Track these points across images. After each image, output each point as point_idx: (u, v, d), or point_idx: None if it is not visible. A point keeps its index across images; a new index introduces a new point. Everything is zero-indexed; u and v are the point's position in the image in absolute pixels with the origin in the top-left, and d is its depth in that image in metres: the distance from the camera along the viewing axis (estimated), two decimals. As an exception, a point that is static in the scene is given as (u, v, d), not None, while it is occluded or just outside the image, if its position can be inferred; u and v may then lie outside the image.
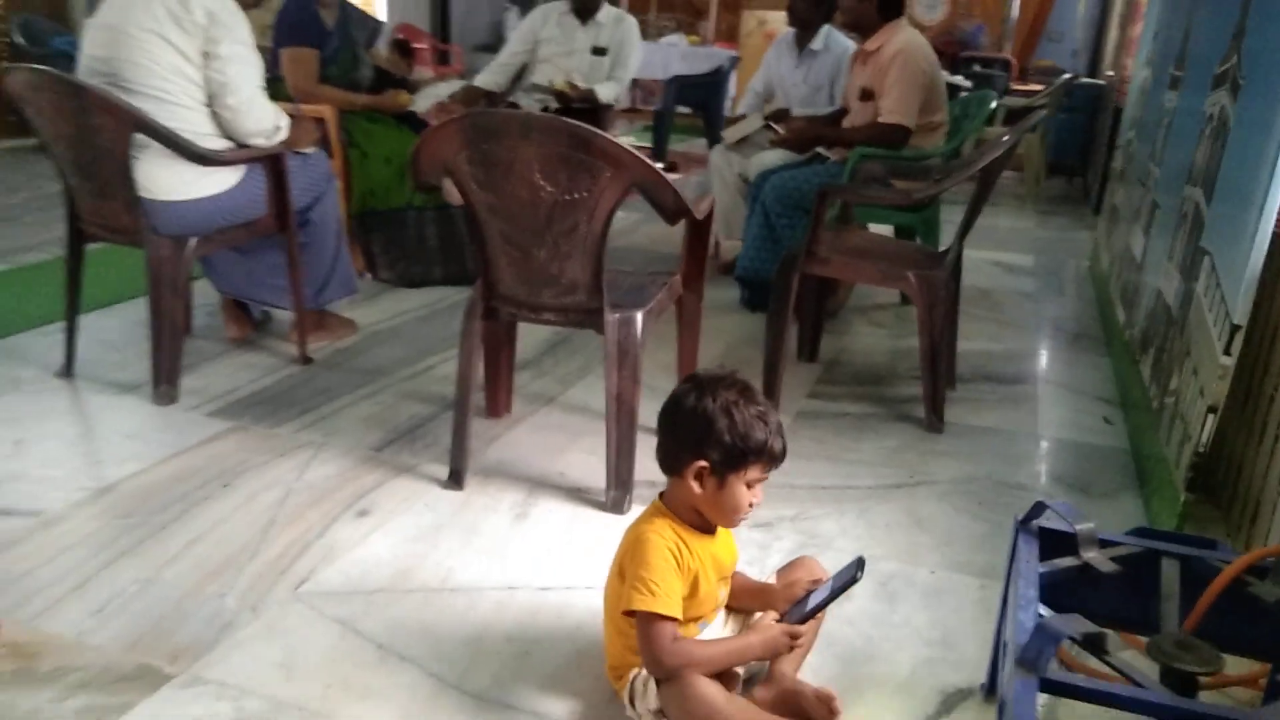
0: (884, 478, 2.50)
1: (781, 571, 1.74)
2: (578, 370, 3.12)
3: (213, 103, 2.64)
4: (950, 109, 3.73)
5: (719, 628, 1.62)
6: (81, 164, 2.60)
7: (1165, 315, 2.64)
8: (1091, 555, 1.51)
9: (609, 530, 2.12)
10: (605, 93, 4.31)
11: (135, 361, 2.96)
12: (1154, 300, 2.85)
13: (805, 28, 4.15)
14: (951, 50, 9.74)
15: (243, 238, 2.83)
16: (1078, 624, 1.26)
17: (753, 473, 1.50)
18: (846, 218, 3.31)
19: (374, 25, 4.19)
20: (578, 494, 2.33)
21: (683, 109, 7.09)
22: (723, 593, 1.61)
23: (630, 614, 1.45)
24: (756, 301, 3.71)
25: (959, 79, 7.50)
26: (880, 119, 3.44)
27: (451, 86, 4.32)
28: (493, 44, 11.36)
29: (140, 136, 2.52)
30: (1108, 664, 1.31)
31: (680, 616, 1.45)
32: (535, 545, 2.10)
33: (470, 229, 2.19)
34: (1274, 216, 1.88)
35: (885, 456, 2.62)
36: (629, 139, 6.82)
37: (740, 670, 1.57)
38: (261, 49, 2.78)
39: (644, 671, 1.47)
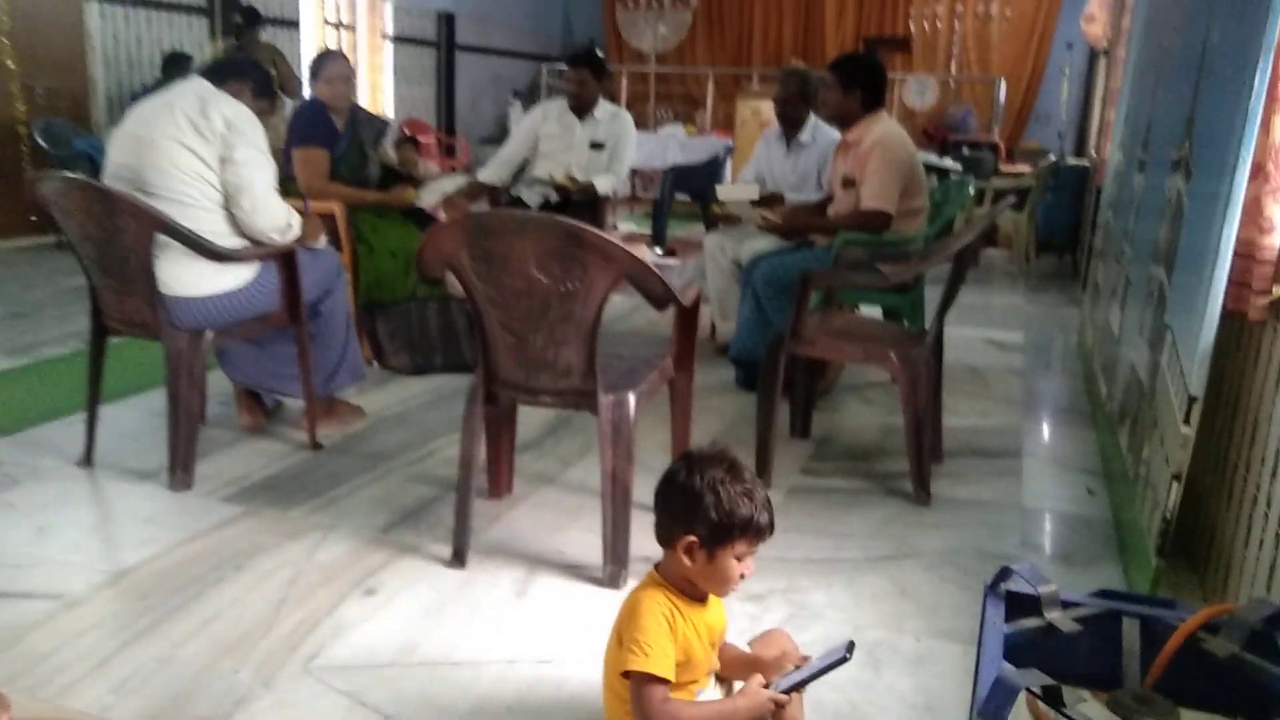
0: (872, 550, 2.59)
1: (754, 642, 1.82)
2: (578, 450, 3.23)
3: (229, 203, 2.81)
4: (932, 194, 3.91)
5: (709, 694, 1.70)
6: (106, 263, 2.76)
7: (1138, 387, 2.76)
8: (1055, 616, 1.60)
9: (605, 605, 2.21)
10: (603, 185, 4.51)
11: (151, 450, 3.08)
12: (1129, 373, 2.97)
13: (794, 125, 4.36)
14: (941, 134, 10.06)
15: (257, 330, 2.98)
16: (1034, 677, 1.35)
17: (740, 547, 1.59)
18: (831, 300, 3.45)
19: (381, 126, 4.41)
20: (576, 570, 2.43)
21: (681, 196, 7.33)
22: (714, 659, 1.69)
23: (626, 675, 1.54)
24: (750, 381, 3.83)
25: (948, 162, 7.75)
26: (862, 206, 3.61)
27: (456, 182, 4.52)
28: (498, 136, 11.72)
29: (162, 237, 2.68)
30: (1068, 717, 1.39)
31: (672, 679, 1.53)
32: (534, 620, 2.19)
33: (472, 318, 2.33)
34: (1221, 292, 2.01)
35: (873, 529, 2.71)
36: (629, 226, 7.06)
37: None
38: (275, 151, 2.96)
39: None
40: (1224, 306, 2.03)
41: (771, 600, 2.30)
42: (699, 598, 1.64)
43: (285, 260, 2.94)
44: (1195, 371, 2.04)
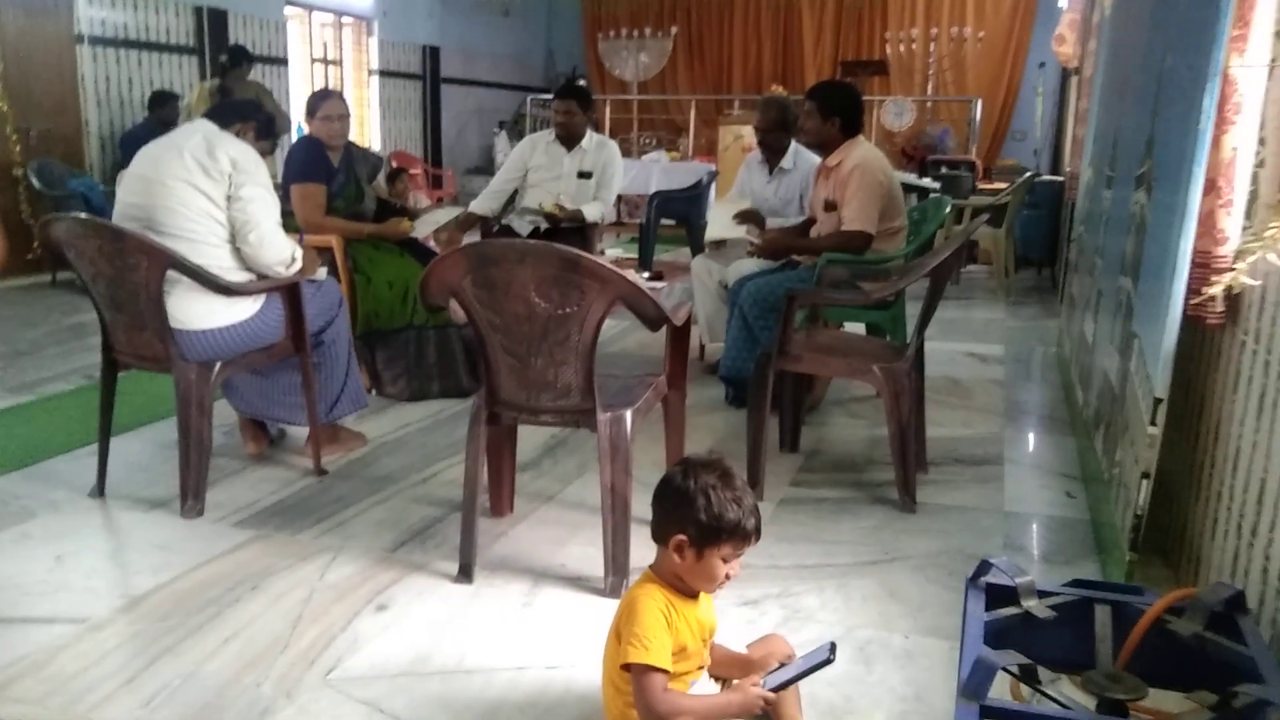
0: (861, 555, 2.70)
1: (752, 645, 1.93)
2: (575, 469, 3.34)
3: (236, 239, 2.93)
4: (911, 214, 4.05)
5: (705, 687, 1.81)
6: (118, 299, 2.86)
7: (1110, 393, 2.89)
8: (1031, 604, 1.72)
9: (608, 613, 2.27)
10: (591, 212, 4.64)
11: (160, 479, 3.17)
12: (1103, 380, 3.10)
13: (775, 152, 4.51)
14: (920, 154, 10.26)
15: (262, 361, 3.08)
16: (1011, 657, 1.47)
17: (726, 549, 1.71)
18: (816, 318, 3.57)
19: (375, 161, 4.54)
20: (578, 582, 2.53)
21: (666, 221, 7.48)
22: (706, 654, 1.80)
23: (626, 668, 1.64)
24: (740, 398, 3.95)
25: (926, 181, 7.92)
26: (844, 227, 3.75)
27: (450, 213, 4.64)
28: (483, 167, 11.92)
29: (172, 273, 2.79)
30: (1046, 695, 1.51)
31: (671, 669, 1.64)
32: (541, 629, 2.29)
33: (469, 345, 2.44)
34: (1181, 299, 2.14)
35: (862, 536, 2.83)
36: (617, 251, 7.19)
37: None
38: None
39: (641, 722, 1.66)
40: (1185, 313, 2.17)
41: (766, 604, 2.41)
42: (690, 594, 1.76)
43: (290, 292, 3.05)
44: (1159, 375, 2.17)
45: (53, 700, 1.99)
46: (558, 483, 3.22)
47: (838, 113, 3.79)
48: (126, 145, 7.24)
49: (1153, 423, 2.19)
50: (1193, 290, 2.16)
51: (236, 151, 2.90)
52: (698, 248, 6.12)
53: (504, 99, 13.12)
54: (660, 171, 8.93)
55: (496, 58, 13.05)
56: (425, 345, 4.08)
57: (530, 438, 3.45)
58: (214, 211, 2.87)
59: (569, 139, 4.70)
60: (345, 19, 10.66)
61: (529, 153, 4.75)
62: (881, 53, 12.01)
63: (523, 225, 4.67)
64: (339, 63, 10.73)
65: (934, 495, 3.12)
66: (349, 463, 3.39)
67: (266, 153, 3.11)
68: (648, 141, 11.42)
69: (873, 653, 2.19)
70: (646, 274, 4.32)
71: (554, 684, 2.05)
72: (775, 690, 1.75)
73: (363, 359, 4.07)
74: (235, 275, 2.94)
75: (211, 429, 3.32)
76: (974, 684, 1.42)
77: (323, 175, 4.01)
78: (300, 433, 3.45)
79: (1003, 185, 8.40)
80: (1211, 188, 2.15)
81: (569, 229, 4.58)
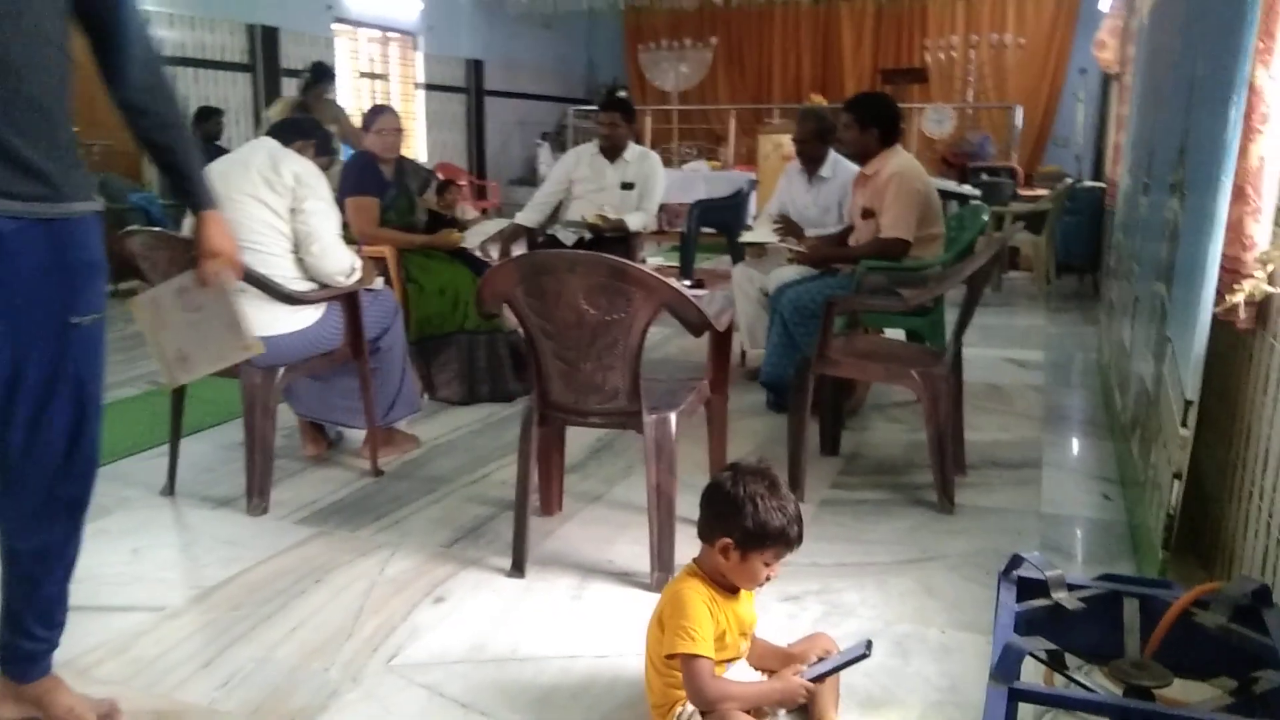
0: (899, 554, 2.78)
1: (797, 642, 2.02)
2: (621, 471, 3.44)
3: (298, 250, 3.08)
4: (949, 221, 4.12)
5: (742, 673, 1.91)
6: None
7: (1146, 397, 2.94)
8: (1061, 596, 1.79)
9: (653, 607, 2.41)
10: (634, 222, 4.76)
11: (226, 479, 3.33)
12: (1139, 384, 3.15)
13: (814, 162, 4.60)
14: (960, 161, 10.26)
15: (322, 366, 3.23)
16: (1039, 643, 1.55)
17: (769, 554, 1.82)
18: (856, 324, 3.66)
19: (426, 175, 4.69)
20: (625, 578, 2.63)
21: (707, 229, 7.58)
22: (744, 645, 1.90)
23: (673, 657, 1.75)
24: (781, 403, 4.04)
25: (966, 188, 7.95)
26: (881, 234, 3.83)
27: (498, 224, 4.79)
28: (526, 177, 12.10)
29: (239, 282, 2.93)
30: (1075, 682, 1.58)
31: (715, 657, 1.75)
32: (591, 621, 2.40)
33: (518, 350, 2.56)
34: (1210, 304, 2.21)
35: (901, 536, 2.90)
36: (658, 259, 7.31)
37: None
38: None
39: (689, 706, 1.76)
40: (1216, 318, 2.23)
41: (807, 600, 2.50)
42: (730, 589, 1.86)
43: (349, 301, 3.19)
44: (1190, 377, 2.23)
45: (135, 682, 2.13)
46: (604, 484, 3.33)
47: (875, 123, 3.87)
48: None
49: (1184, 424, 2.25)
50: (1221, 295, 2.23)
51: (299, 167, 3.05)
52: (738, 256, 6.21)
53: (546, 110, 13.31)
54: (701, 181, 9.02)
55: (539, 70, 13.26)
56: (476, 350, 4.22)
57: (578, 441, 3.56)
58: (278, 224, 3.02)
59: (612, 151, 4.82)
60: (391, 34, 10.90)
61: (573, 165, 4.88)
62: (921, 60, 12.03)
63: (567, 236, 4.79)
64: (385, 77, 10.97)
65: (972, 497, 3.19)
66: (404, 464, 3.52)
67: (325, 168, 3.26)
68: (688, 151, 11.53)
69: (910, 646, 2.27)
70: (687, 282, 4.43)
71: (603, 672, 2.16)
72: (814, 681, 1.84)
73: (416, 364, 4.22)
74: (298, 285, 3.08)
75: (275, 431, 3.48)
76: (1003, 668, 1.50)
77: (375, 188, 4.17)
78: (357, 435, 3.59)
79: (1044, 192, 8.41)
80: (1240, 195, 2.21)
81: (613, 239, 4.70)
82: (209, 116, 7.62)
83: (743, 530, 1.79)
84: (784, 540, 1.81)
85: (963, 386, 3.48)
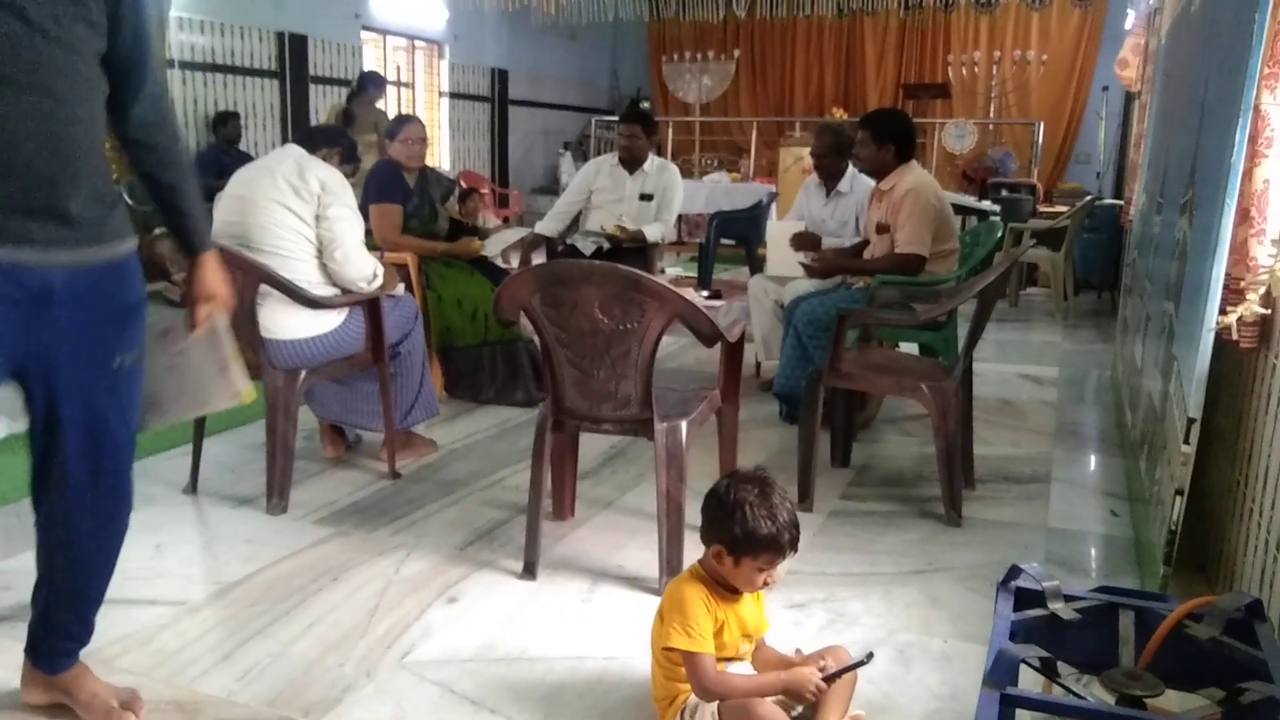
0: (905, 565, 2.81)
1: (812, 655, 2.05)
2: (633, 479, 3.50)
3: (323, 255, 3.15)
4: (963, 238, 4.16)
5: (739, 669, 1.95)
6: (214, 311, 3.10)
7: (1153, 414, 2.97)
8: (1057, 606, 1.83)
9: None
10: (652, 233, 4.83)
11: (247, 479, 3.40)
12: (1147, 401, 3.18)
13: (832, 177, 4.65)
14: (981, 177, 10.27)
15: (343, 370, 3.30)
16: (1031, 651, 1.59)
17: (761, 560, 1.86)
18: (869, 337, 3.70)
19: (449, 184, 4.77)
20: (634, 582, 2.69)
21: (726, 240, 7.63)
22: (745, 647, 1.94)
23: (670, 650, 1.80)
24: (794, 415, 4.07)
25: (985, 204, 7.97)
26: (897, 249, 3.87)
27: (518, 233, 4.87)
28: (548, 186, 12.20)
29: (264, 287, 3.02)
30: (1068, 690, 1.62)
31: (714, 653, 1.80)
32: (599, 623, 2.46)
33: (535, 358, 2.62)
34: (1214, 322, 2.24)
35: (907, 547, 2.94)
36: (676, 270, 7.36)
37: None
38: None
39: (693, 699, 1.82)
40: (1220, 337, 2.27)
41: (812, 608, 2.54)
42: (731, 591, 1.91)
43: (371, 306, 3.27)
44: (1192, 395, 2.27)
45: (157, 673, 2.20)
46: (616, 490, 3.39)
47: (891, 139, 3.92)
48: (200, 167, 7.66)
49: (1186, 441, 2.29)
50: (1224, 315, 2.26)
51: (325, 174, 3.13)
52: (756, 267, 6.26)
53: (569, 120, 13.43)
54: (721, 192, 9.09)
55: (563, 80, 13.37)
56: (495, 359, 4.30)
57: (592, 447, 3.62)
58: (303, 229, 3.10)
59: (631, 162, 4.89)
60: (418, 43, 11.04)
61: (593, 176, 4.95)
62: (944, 75, 12.05)
63: (586, 245, 4.86)
64: (411, 85, 11.10)
65: (980, 511, 3.22)
66: (421, 467, 3.59)
67: (349, 176, 3.34)
68: (709, 162, 11.60)
69: (912, 655, 2.31)
70: (705, 292, 4.49)
71: (610, 672, 2.21)
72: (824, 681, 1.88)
73: (440, 367, 4.31)
74: (321, 289, 3.16)
75: (295, 433, 3.56)
76: (996, 674, 1.55)
77: (399, 196, 4.25)
78: (376, 438, 3.67)
79: (1063, 208, 8.41)
80: (1245, 217, 2.25)
81: (630, 249, 4.76)
82: (226, 121, 7.79)
83: (732, 537, 1.84)
84: (774, 547, 1.84)
85: (973, 401, 3.52)
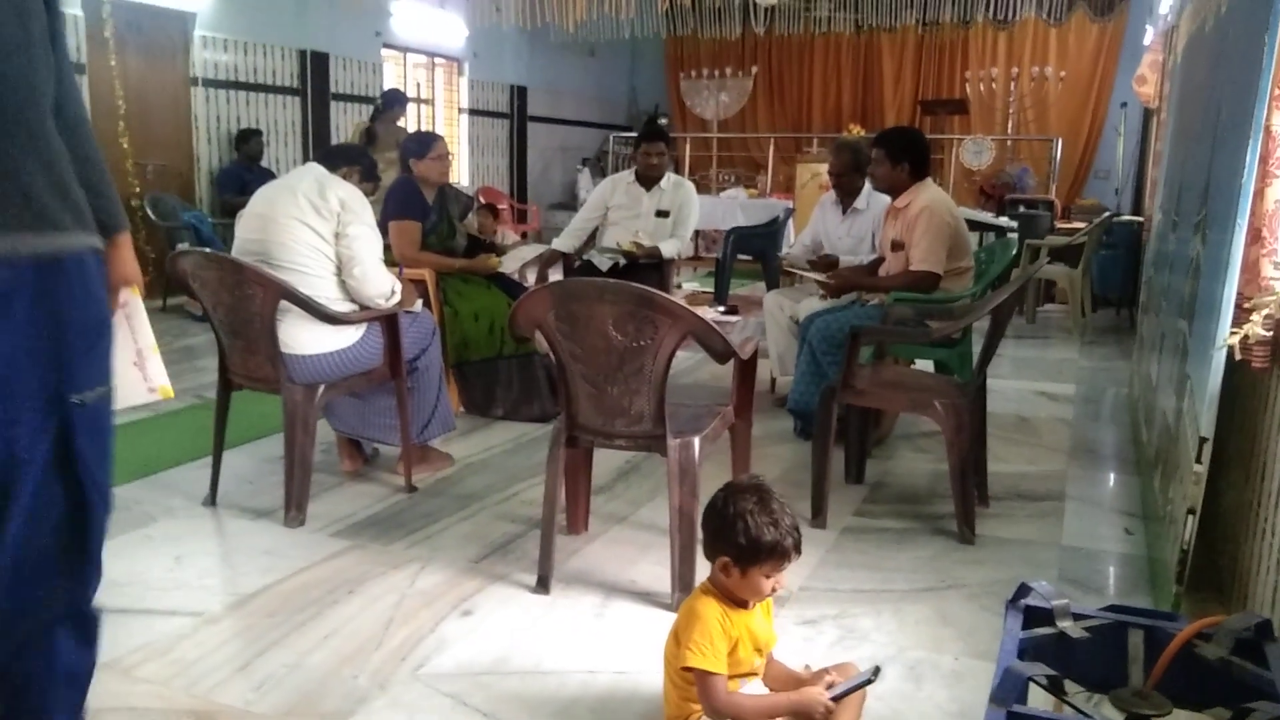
0: (917, 582, 2.82)
1: (821, 671, 2.07)
2: (646, 494, 3.52)
3: (342, 272, 3.20)
4: (978, 255, 4.16)
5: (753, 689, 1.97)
6: (235, 326, 3.15)
7: (1168, 433, 2.97)
8: (1066, 625, 1.83)
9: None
10: (668, 249, 4.86)
11: (266, 492, 3.44)
12: (1162, 420, 3.18)
13: (849, 194, 4.68)
14: (999, 193, 10.26)
15: (361, 385, 3.34)
16: (1038, 669, 1.60)
17: (767, 567, 1.88)
18: (883, 354, 3.71)
19: (467, 201, 4.83)
20: (647, 597, 2.70)
21: (743, 256, 7.66)
22: (758, 661, 1.96)
23: (686, 669, 1.82)
24: (808, 431, 4.08)
25: (1003, 220, 7.96)
26: (911, 267, 3.88)
27: (535, 250, 4.91)
28: (566, 202, 12.27)
29: (284, 302, 3.06)
30: (1076, 709, 1.63)
31: (726, 672, 1.81)
32: (612, 638, 2.48)
33: (552, 373, 2.65)
34: (1225, 342, 2.24)
35: (920, 564, 2.95)
36: (693, 285, 7.39)
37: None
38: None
39: (705, 718, 1.83)
40: (1231, 356, 2.27)
41: (823, 624, 2.55)
42: (741, 603, 1.93)
43: (389, 322, 3.31)
44: (1204, 414, 2.27)
45: (175, 682, 2.23)
46: (630, 505, 3.41)
47: (906, 157, 3.94)
48: (222, 183, 7.79)
49: (1198, 460, 2.29)
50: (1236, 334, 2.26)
51: (345, 193, 3.18)
52: (773, 283, 6.28)
53: (588, 136, 13.50)
54: (738, 208, 9.12)
55: (581, 97, 13.46)
56: (511, 374, 4.33)
57: (605, 464, 3.64)
58: (323, 247, 3.15)
59: (648, 179, 4.93)
60: (438, 60, 11.14)
61: (609, 193, 4.99)
62: (961, 92, 12.05)
63: (603, 261, 4.89)
64: (431, 102, 11.20)
65: (993, 528, 3.22)
66: (437, 481, 3.62)
67: (369, 194, 3.39)
68: (726, 178, 11.63)
69: (922, 672, 2.32)
70: (721, 308, 4.51)
71: (622, 687, 2.23)
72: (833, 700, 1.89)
73: (457, 383, 4.34)
74: (340, 306, 3.20)
75: (314, 447, 3.60)
76: (1003, 692, 1.56)
77: (418, 213, 4.30)
78: (393, 452, 3.70)
79: (1081, 225, 8.39)
80: (1256, 237, 2.26)
81: (647, 265, 4.80)
82: (249, 138, 7.88)
83: (737, 548, 1.85)
84: (779, 553, 1.86)
85: (987, 418, 3.52)
